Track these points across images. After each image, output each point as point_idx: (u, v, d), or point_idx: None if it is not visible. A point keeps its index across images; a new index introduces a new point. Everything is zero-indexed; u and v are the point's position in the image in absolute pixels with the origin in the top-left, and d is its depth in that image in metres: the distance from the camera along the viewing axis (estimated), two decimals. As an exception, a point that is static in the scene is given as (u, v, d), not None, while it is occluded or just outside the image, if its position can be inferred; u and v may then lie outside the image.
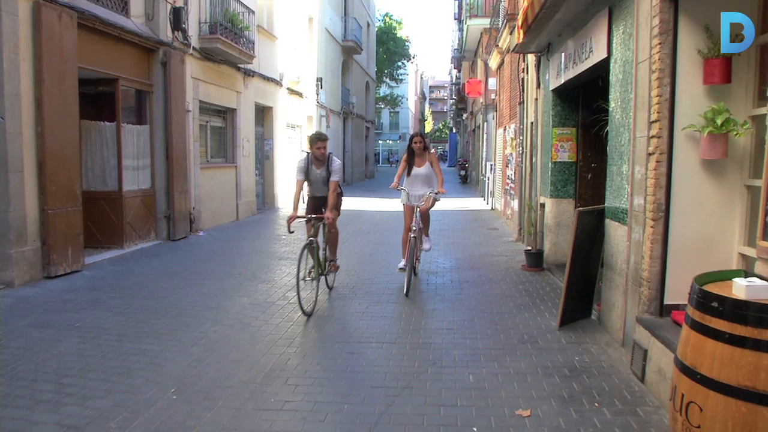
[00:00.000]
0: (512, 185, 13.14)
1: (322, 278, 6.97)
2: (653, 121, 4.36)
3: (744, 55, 3.97)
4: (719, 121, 3.88)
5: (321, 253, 6.74)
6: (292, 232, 6.67)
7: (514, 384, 4.38)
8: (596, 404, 3.99)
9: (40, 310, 6.35)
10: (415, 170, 7.73)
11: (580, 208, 5.72)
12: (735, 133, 3.89)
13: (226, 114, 14.65)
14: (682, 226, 4.26)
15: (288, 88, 18.90)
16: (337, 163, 6.86)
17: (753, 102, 4.02)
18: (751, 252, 3.80)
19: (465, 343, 5.30)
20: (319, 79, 23.05)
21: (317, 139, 6.73)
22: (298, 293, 6.07)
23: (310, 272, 6.49)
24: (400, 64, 48.15)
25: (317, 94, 22.74)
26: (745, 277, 2.56)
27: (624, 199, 5.03)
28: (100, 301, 6.82)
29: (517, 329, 5.71)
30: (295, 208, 6.56)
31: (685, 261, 4.22)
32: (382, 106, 55.13)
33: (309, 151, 6.84)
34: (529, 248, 8.97)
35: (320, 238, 6.83)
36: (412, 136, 7.85)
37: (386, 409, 3.96)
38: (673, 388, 2.65)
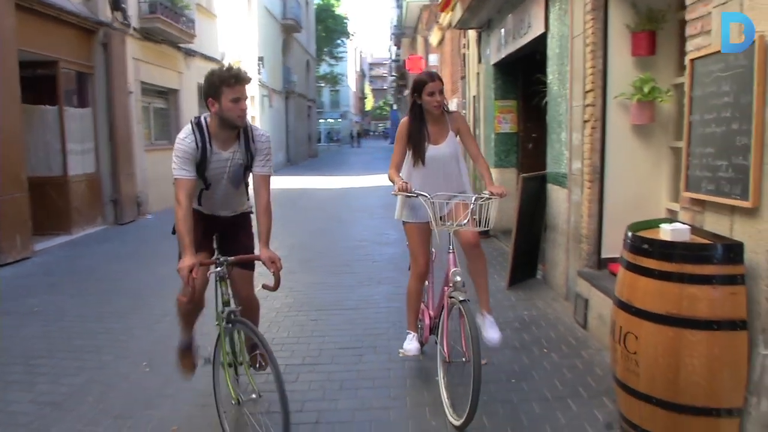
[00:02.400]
0: (456, 158, 13.54)
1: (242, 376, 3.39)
2: (588, 91, 4.74)
3: (666, 29, 4.37)
4: (646, 90, 4.27)
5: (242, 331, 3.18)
6: (195, 302, 3.32)
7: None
8: (545, 350, 4.40)
9: (-5, 296, 6.33)
10: (432, 151, 3.87)
11: (524, 175, 6.11)
12: (660, 100, 4.29)
13: (169, 95, 14.49)
14: (615, 186, 4.67)
15: (229, 68, 18.74)
16: (264, 138, 3.36)
17: (675, 72, 4.43)
18: (676, 207, 4.21)
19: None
20: (261, 58, 22.89)
21: (235, 82, 3.05)
22: None
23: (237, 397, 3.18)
24: (339, 42, 48.02)
25: (259, 74, 22.59)
26: (670, 224, 2.94)
27: (563, 164, 5.43)
28: (56, 285, 6.84)
29: (470, 291, 6.06)
30: (190, 244, 3.02)
31: (619, 218, 4.61)
32: (323, 84, 54.92)
33: (205, 116, 3.26)
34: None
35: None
36: (421, 82, 3.77)
37: (354, 367, 4.25)
38: (612, 323, 3.02)
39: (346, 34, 48.29)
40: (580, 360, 4.20)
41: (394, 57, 49.98)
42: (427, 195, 3.61)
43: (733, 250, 2.63)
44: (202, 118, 3.22)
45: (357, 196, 15.75)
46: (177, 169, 3.12)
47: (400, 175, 3.88)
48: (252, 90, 21.80)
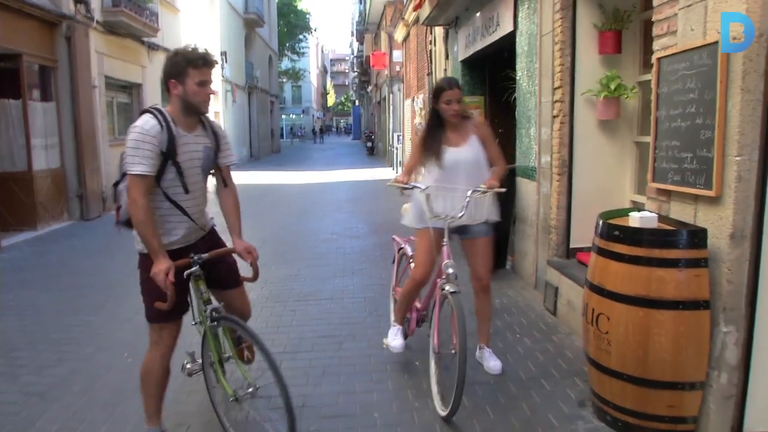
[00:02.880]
0: (423, 154, 13.71)
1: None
2: (556, 88, 4.95)
3: (631, 29, 4.60)
4: (612, 87, 4.49)
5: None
6: (172, 309, 2.84)
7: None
8: (517, 335, 4.60)
9: (-35, 292, 6.25)
10: (452, 153, 3.80)
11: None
12: (626, 96, 4.51)
13: (132, 89, 14.33)
14: (583, 179, 4.89)
15: (193, 63, 18.58)
16: (220, 126, 3.21)
17: (639, 69, 4.66)
18: (640, 199, 4.44)
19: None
20: (224, 53, 22.70)
21: (203, 64, 2.83)
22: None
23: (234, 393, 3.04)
24: (301, 37, 47.76)
25: (222, 69, 22.40)
26: (639, 212, 3.15)
27: (533, 158, 5.64)
28: (28, 281, 6.78)
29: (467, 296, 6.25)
30: (160, 246, 2.79)
31: (586, 209, 4.83)
32: (285, 80, 54.61)
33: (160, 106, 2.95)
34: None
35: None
36: (439, 89, 3.78)
37: (335, 354, 4.37)
38: (585, 305, 3.22)
39: (308, 30, 48.06)
40: (551, 344, 4.41)
41: (356, 53, 50.01)
42: (420, 186, 3.65)
43: (698, 236, 2.85)
44: (158, 106, 2.89)
45: (323, 191, 15.82)
46: (134, 163, 2.70)
47: (423, 181, 3.84)
48: (215, 85, 21.61)
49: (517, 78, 6.18)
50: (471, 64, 8.91)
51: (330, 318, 5.19)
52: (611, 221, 3.12)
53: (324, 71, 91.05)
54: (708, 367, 2.88)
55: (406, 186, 3.69)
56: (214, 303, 3.01)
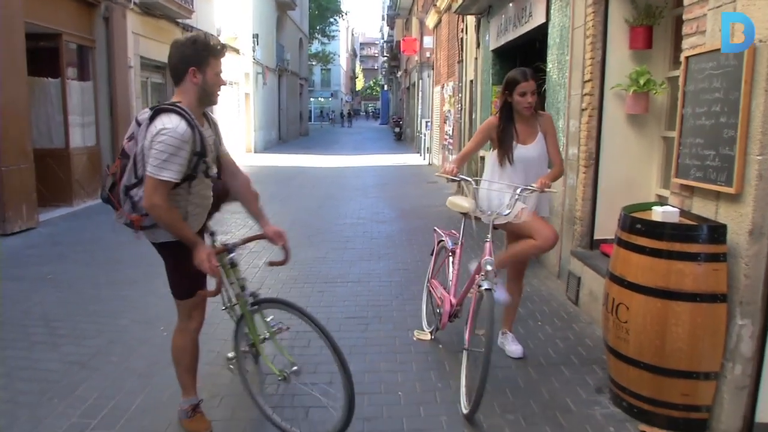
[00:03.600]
0: (450, 141, 13.79)
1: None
2: (586, 81, 5.01)
3: (662, 25, 4.64)
4: (642, 82, 4.54)
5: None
6: (199, 286, 2.99)
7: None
8: (539, 323, 4.72)
9: (6, 264, 6.52)
10: (521, 151, 3.78)
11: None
12: (654, 92, 4.57)
13: (166, 70, 14.57)
14: (609, 171, 4.96)
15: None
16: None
17: (669, 65, 4.71)
18: (665, 193, 4.51)
19: (420, 280, 5.89)
20: (255, 36, 22.89)
21: (221, 52, 2.83)
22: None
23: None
24: (332, 20, 47.82)
25: (254, 51, 22.62)
26: (661, 206, 3.24)
27: (560, 149, 5.69)
28: (65, 254, 7.05)
29: (467, 268, 6.36)
30: (194, 234, 2.83)
31: (611, 202, 4.90)
32: (314, 63, 54.74)
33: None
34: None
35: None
36: (514, 80, 3.69)
37: (361, 335, 4.54)
38: (606, 295, 3.33)
39: (339, 13, 48.10)
40: (571, 332, 4.53)
41: (386, 38, 49.90)
42: (470, 180, 3.73)
43: (717, 231, 2.93)
44: (179, 104, 2.71)
45: (350, 176, 15.98)
46: (164, 168, 2.60)
47: (486, 174, 3.95)
48: (246, 67, 21.87)
49: (548, 70, 6.23)
50: (502, 53, 8.95)
51: (357, 300, 5.35)
52: (634, 215, 3.22)
53: (353, 55, 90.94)
54: (723, 358, 2.97)
55: (455, 178, 3.69)
56: (250, 288, 3.07)
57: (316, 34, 46.13)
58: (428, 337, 4.42)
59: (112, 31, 11.05)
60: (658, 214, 3.10)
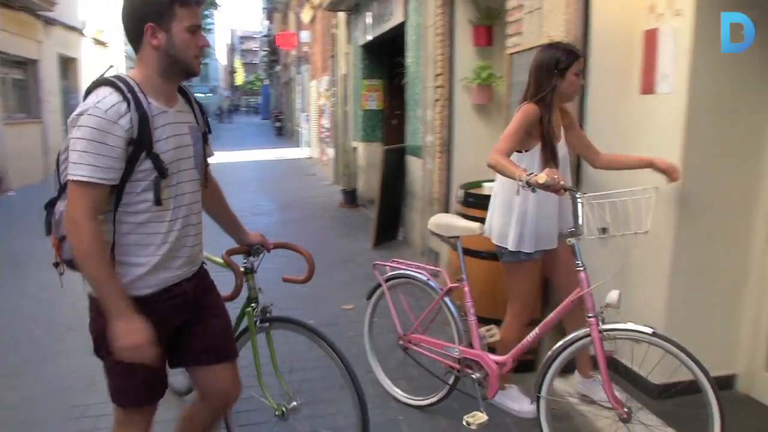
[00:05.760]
0: (327, 134, 14.15)
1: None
2: (438, 74, 5.54)
3: (501, 25, 5.22)
4: (484, 75, 5.13)
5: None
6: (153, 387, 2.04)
7: (339, 290, 5.42)
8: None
9: None
10: (560, 148, 2.96)
11: (385, 147, 6.88)
12: (495, 84, 5.16)
13: (27, 66, 13.85)
14: (461, 156, 5.54)
15: (93, 38, 18.04)
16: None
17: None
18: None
19: (297, 265, 6.22)
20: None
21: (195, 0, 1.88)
22: None
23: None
24: (206, 12, 46.64)
25: (125, 45, 21.77)
26: (491, 182, 3.77)
27: (419, 137, 6.23)
28: None
29: (339, 252, 6.77)
30: (121, 297, 1.80)
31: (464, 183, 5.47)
32: (190, 57, 53.08)
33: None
34: (345, 188, 10.09)
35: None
36: (571, 56, 2.81)
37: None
38: (449, 261, 3.83)
39: (213, 5, 47.01)
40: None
41: (266, 32, 49.38)
42: (575, 190, 2.60)
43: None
44: (120, 74, 1.89)
45: (230, 171, 15.89)
46: (81, 164, 1.72)
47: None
48: (118, 61, 21.03)
49: (407, 64, 6.74)
50: (370, 49, 9.42)
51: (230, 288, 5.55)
52: (469, 191, 3.73)
53: (233, 49, 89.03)
54: (542, 306, 3.53)
55: (571, 189, 2.55)
56: (263, 301, 2.54)
57: (191, 27, 44.80)
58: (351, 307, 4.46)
59: (-36, 22, 10.42)
60: (487, 188, 3.63)
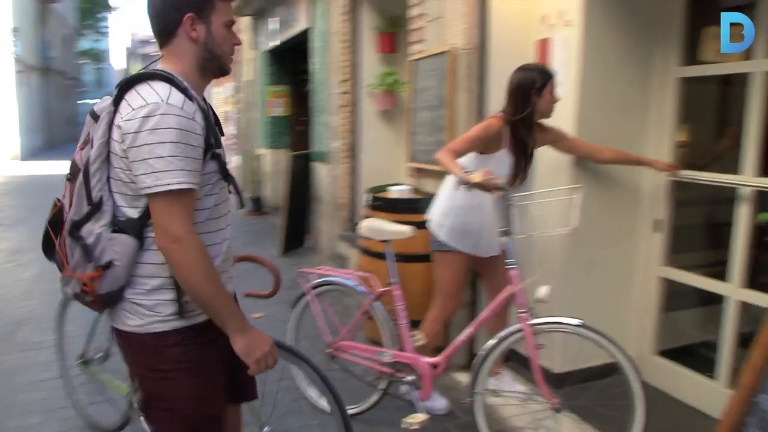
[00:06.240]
0: (233, 141, 13.87)
1: None
2: (343, 80, 5.57)
3: (405, 32, 5.33)
4: (389, 81, 5.21)
5: None
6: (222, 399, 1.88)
7: (248, 299, 5.29)
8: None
9: None
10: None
11: (292, 153, 6.84)
12: (400, 90, 5.26)
13: None
14: (367, 161, 5.59)
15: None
16: None
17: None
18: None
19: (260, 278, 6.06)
20: (15, 29, 20.73)
21: None
22: None
23: None
24: (99, 15, 44.66)
25: (13, 47, 20.48)
26: (398, 186, 3.85)
27: (325, 143, 6.24)
28: None
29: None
30: (239, 312, 1.69)
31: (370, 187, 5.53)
32: (87, 61, 50.67)
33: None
34: (251, 195, 9.93)
35: None
36: (548, 76, 2.88)
37: None
38: (358, 266, 3.86)
39: (109, 8, 45.04)
40: (346, 300, 5.02)
41: (166, 36, 47.70)
42: (508, 191, 2.68)
43: (439, 203, 3.56)
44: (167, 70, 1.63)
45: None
46: (175, 171, 1.49)
47: (465, 196, 2.87)
48: (5, 65, 19.74)
49: (313, 71, 6.73)
50: (276, 55, 9.33)
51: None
52: (376, 194, 3.78)
53: (132, 53, 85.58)
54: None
55: (499, 188, 2.60)
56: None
57: (86, 30, 42.73)
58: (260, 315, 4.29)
59: None
60: (393, 192, 3.69)
